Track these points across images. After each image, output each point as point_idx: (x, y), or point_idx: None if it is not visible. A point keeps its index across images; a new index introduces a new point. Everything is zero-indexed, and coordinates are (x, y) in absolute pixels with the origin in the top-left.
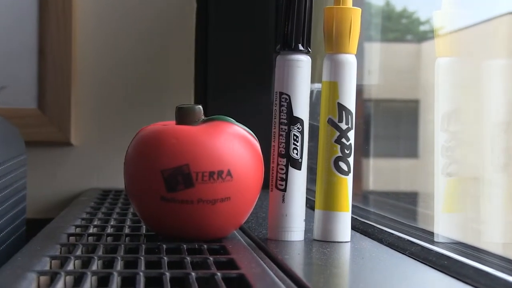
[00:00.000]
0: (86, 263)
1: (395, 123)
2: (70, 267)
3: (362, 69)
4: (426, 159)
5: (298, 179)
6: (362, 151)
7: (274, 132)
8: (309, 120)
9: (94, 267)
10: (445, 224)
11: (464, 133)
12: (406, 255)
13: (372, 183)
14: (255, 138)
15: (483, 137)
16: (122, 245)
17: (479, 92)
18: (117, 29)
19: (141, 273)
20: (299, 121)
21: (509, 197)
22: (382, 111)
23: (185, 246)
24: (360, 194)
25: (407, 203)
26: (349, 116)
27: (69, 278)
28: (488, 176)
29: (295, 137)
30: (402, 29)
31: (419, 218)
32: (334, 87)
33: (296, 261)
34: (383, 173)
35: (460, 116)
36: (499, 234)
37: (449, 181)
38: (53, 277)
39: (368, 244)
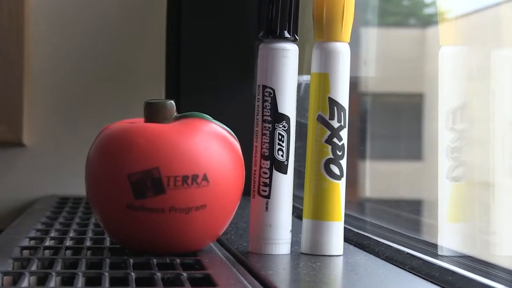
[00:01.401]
0: (42, 280)
1: (395, 121)
2: (25, 284)
3: (357, 59)
4: (432, 162)
5: (284, 184)
6: (357, 152)
7: (257, 131)
8: (296, 117)
9: (51, 284)
10: (450, 235)
11: (472, 131)
12: (406, 270)
13: (369, 189)
14: (234, 138)
15: (493, 136)
16: (83, 260)
17: (489, 85)
18: (76, 18)
19: None
20: (285, 118)
21: None
22: (380, 107)
23: (155, 260)
24: (355, 201)
25: (409, 212)
26: (342, 113)
27: None
28: (499, 180)
29: (280, 137)
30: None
31: (422, 229)
32: (324, 79)
33: (281, 277)
34: (381, 178)
35: (467, 112)
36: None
37: (455, 186)
38: None
39: (363, 258)
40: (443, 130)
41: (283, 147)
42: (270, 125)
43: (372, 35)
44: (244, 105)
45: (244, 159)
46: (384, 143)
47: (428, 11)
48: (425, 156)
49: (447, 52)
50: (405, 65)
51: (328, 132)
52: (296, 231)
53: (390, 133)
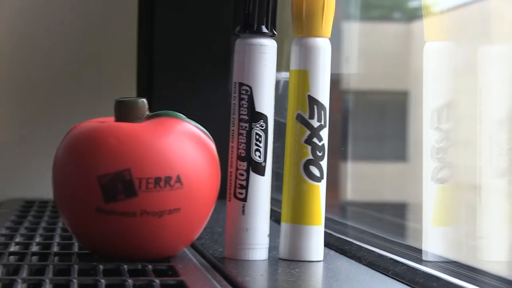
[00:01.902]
0: (7, 287)
1: (379, 120)
2: None
3: (338, 55)
4: (417, 163)
5: (261, 186)
6: (339, 153)
7: (233, 130)
8: (275, 116)
9: None
10: (435, 240)
11: (458, 131)
12: (388, 276)
13: (351, 192)
14: (209, 138)
15: (480, 136)
16: (51, 266)
17: (476, 83)
18: (43, 12)
19: None
20: (263, 117)
21: None
22: (363, 105)
23: (126, 266)
24: (336, 204)
25: (393, 215)
26: (322, 112)
27: None
28: (486, 182)
29: (257, 137)
30: (388, 5)
31: (406, 233)
32: (304, 77)
33: (259, 284)
34: (364, 180)
35: (453, 111)
36: (500, 252)
37: (440, 188)
38: None
39: (344, 263)
40: (428, 129)
41: (261, 147)
42: (247, 125)
43: (354, 30)
44: (219, 104)
45: (219, 160)
46: (367, 143)
47: (413, 4)
48: (410, 157)
49: (432, 48)
50: (389, 62)
51: (308, 132)
52: (274, 235)
53: (373, 133)
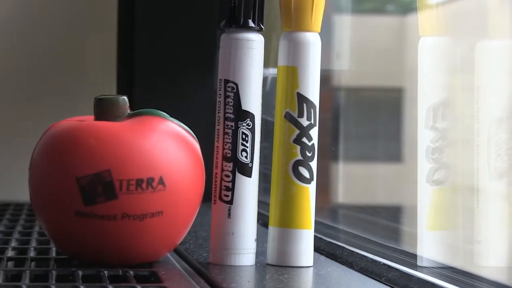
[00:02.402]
0: None
1: (372, 118)
2: None
3: (329, 50)
4: (412, 164)
5: (248, 188)
6: (329, 153)
7: (218, 129)
8: (262, 114)
9: None
10: (430, 244)
11: (455, 130)
12: (382, 282)
13: (342, 194)
14: (194, 138)
15: (478, 136)
16: (27, 272)
17: (474, 80)
18: (17, 3)
19: None
20: (249, 116)
21: None
22: (355, 103)
23: (106, 272)
24: (326, 207)
25: (387, 219)
26: (312, 110)
27: None
28: (484, 184)
29: (244, 136)
30: None
31: (401, 238)
32: (292, 73)
33: None
34: (356, 182)
35: (449, 109)
36: (499, 257)
37: (435, 190)
38: None
39: (335, 269)
40: (422, 129)
41: (247, 147)
42: (232, 124)
43: (346, 24)
44: (204, 102)
45: (204, 161)
46: (359, 143)
47: None
48: (405, 157)
49: (427, 43)
50: (383, 57)
51: (297, 131)
52: (261, 240)
53: (366, 132)
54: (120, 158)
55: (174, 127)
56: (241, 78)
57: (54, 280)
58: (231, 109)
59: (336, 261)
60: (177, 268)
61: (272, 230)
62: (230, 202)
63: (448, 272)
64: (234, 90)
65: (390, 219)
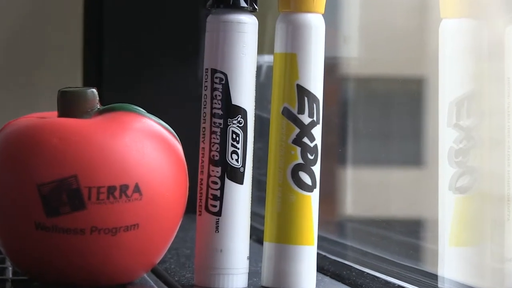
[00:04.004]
0: None
1: (386, 114)
2: None
3: (334, 34)
4: (434, 169)
5: (239, 197)
6: (336, 156)
7: (204, 128)
8: (256, 110)
9: None
10: (453, 263)
11: (482, 129)
12: None
13: (351, 205)
14: (175, 138)
15: (510, 135)
16: None
17: (504, 69)
18: None
19: None
20: (241, 112)
21: None
22: (366, 96)
23: None
24: (332, 220)
25: (403, 234)
26: (314, 105)
27: None
28: None
29: (234, 136)
30: None
31: (419, 256)
32: (291, 61)
33: None
34: (367, 190)
35: (475, 104)
36: None
37: (459, 199)
38: None
39: None
40: (444, 127)
41: (238, 149)
42: (221, 121)
43: (354, 3)
44: (187, 95)
45: (188, 165)
46: (371, 144)
47: None
48: (426, 161)
49: (449, 26)
50: (399, 42)
51: (297, 130)
52: (255, 258)
53: (379, 131)
54: (88, 162)
55: (152, 125)
56: (231, 68)
57: None
58: (219, 104)
59: (343, 283)
60: None
61: (267, 246)
62: (218, 213)
63: None
64: (223, 82)
65: (406, 234)
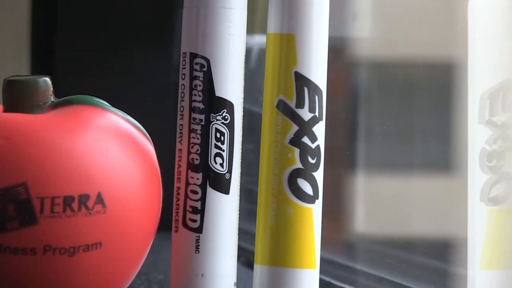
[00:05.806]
0: None
1: (405, 108)
2: None
3: (341, 10)
4: (465, 176)
5: (224, 210)
6: (343, 160)
7: (181, 125)
8: (245, 103)
9: None
10: None
11: None
12: None
13: (363, 220)
14: (146, 137)
15: None
16: None
17: None
18: None
19: None
20: (226, 105)
21: None
22: (380, 86)
23: None
24: (339, 239)
25: (425, 255)
26: (316, 97)
27: None
28: None
29: (218, 135)
30: None
31: (445, 281)
32: (288, 44)
33: None
34: (383, 202)
35: None
36: None
37: (493, 212)
38: None
39: None
40: (475, 124)
41: (223, 151)
42: (202, 117)
43: None
44: (160, 85)
45: (161, 171)
46: (387, 144)
47: None
48: (457, 166)
49: (480, 5)
50: (422, 18)
51: (295, 128)
52: (244, 285)
53: (398, 129)
54: (40, 167)
55: (118, 121)
56: (214, 52)
57: None
58: (200, 96)
59: None
60: None
61: (259, 270)
62: (199, 229)
63: None
64: (204, 69)
65: (430, 256)
